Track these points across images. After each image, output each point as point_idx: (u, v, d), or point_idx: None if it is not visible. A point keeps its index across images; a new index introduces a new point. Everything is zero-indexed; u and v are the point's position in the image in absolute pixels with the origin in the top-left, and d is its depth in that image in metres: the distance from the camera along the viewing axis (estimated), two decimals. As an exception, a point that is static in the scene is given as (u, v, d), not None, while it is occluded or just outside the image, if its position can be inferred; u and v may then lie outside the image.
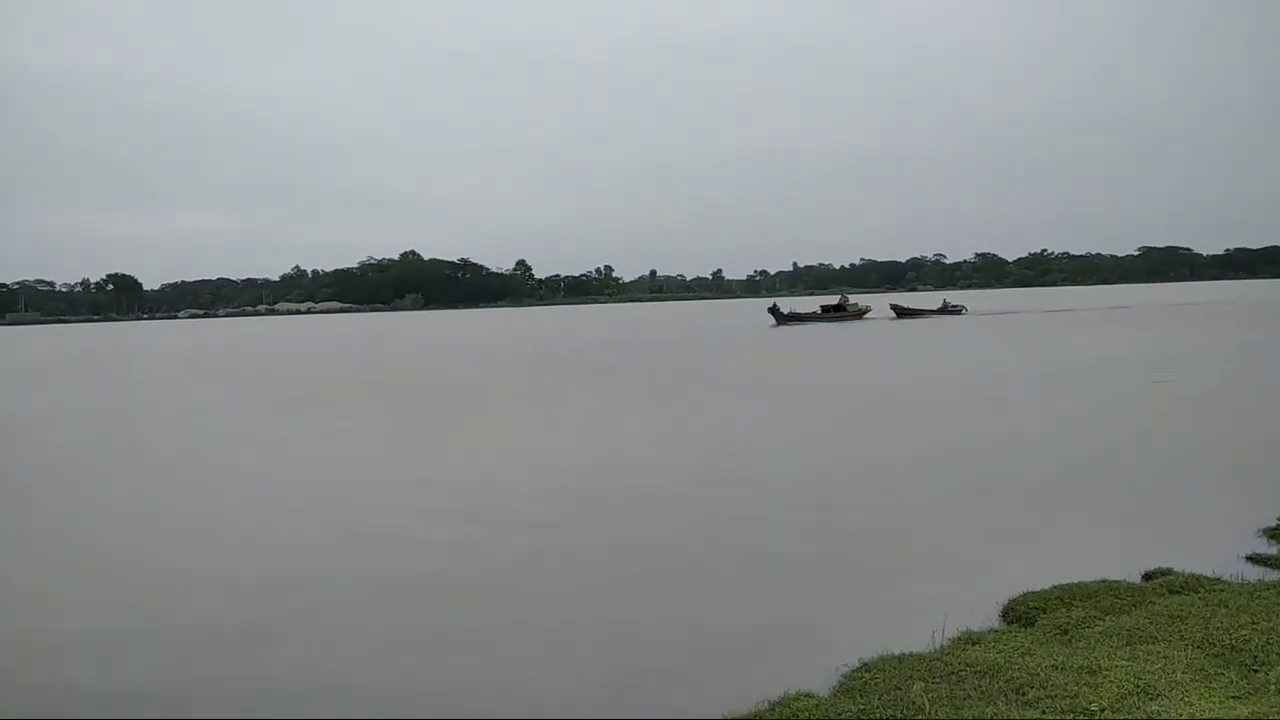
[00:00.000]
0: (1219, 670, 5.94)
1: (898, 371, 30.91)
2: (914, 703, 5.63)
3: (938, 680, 6.01)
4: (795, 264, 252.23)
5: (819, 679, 6.39)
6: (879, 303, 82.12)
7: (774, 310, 72.95)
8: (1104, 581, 7.99)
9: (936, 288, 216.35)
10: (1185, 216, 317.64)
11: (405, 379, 35.69)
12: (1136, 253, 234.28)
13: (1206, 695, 5.52)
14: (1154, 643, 6.49)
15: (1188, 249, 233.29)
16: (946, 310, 73.90)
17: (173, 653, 7.62)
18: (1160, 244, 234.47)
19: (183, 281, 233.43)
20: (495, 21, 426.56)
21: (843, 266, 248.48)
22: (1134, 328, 50.30)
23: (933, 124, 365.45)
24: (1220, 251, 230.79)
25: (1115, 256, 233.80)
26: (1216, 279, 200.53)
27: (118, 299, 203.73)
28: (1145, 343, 39.07)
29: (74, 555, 10.99)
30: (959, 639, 6.98)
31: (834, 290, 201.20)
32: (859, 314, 73.20)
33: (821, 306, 76.31)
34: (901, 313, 73.62)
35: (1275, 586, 7.60)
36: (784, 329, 64.08)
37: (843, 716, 5.63)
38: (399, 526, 11.64)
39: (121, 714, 6.59)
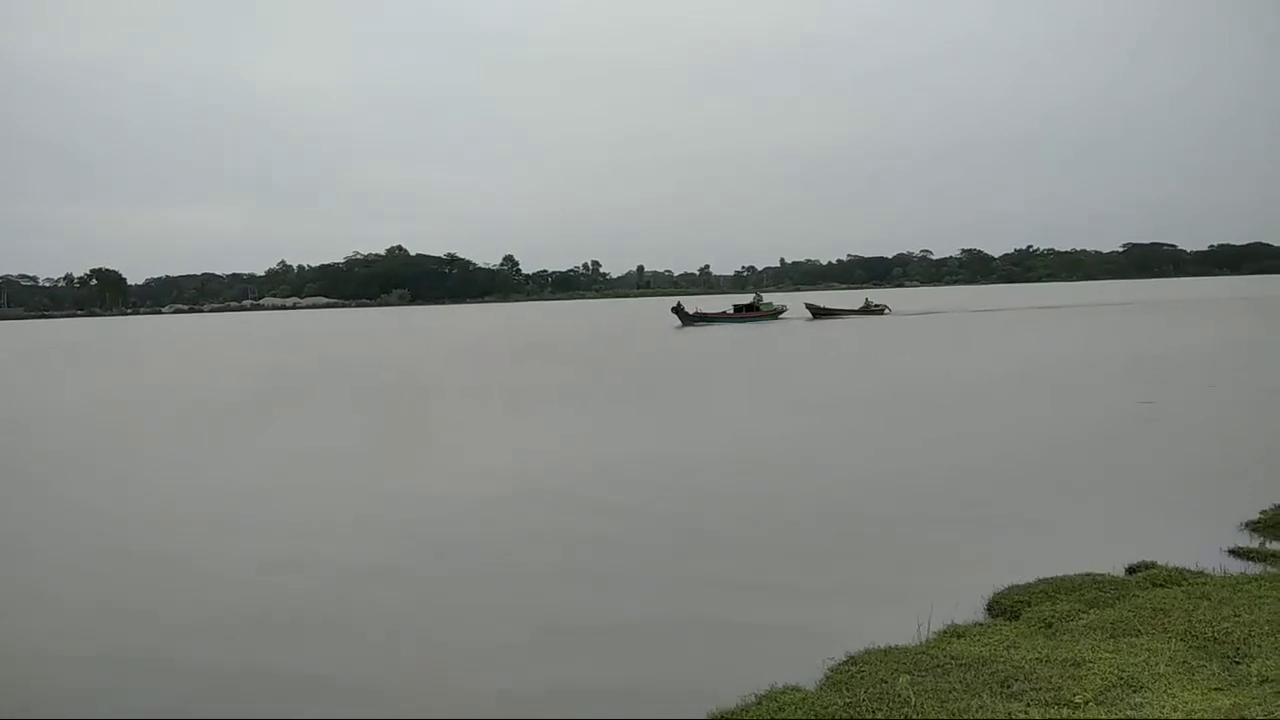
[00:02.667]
0: (1201, 662, 5.99)
1: (849, 370, 30.99)
2: (900, 695, 5.66)
3: (923, 673, 6.04)
4: (782, 260, 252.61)
5: (806, 672, 6.41)
6: (871, 300, 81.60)
7: (678, 310, 68.30)
8: (1088, 575, 8.05)
9: (923, 283, 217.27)
10: (1170, 213, 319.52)
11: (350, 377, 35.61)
12: (1121, 249, 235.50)
13: (1189, 687, 5.57)
14: (1137, 635, 6.54)
15: (1172, 245, 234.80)
16: (869, 310, 71.36)
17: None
18: (1145, 240, 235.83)
19: (167, 276, 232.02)
20: (486, 14, 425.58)
21: (829, 262, 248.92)
22: (1061, 328, 50.56)
23: (921, 121, 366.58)
24: (1204, 248, 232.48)
25: (1100, 253, 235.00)
26: (1200, 275, 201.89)
27: (102, 294, 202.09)
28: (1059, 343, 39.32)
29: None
30: (944, 632, 7.03)
31: (823, 286, 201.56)
32: (774, 314, 70.16)
33: (734, 305, 72.89)
34: (818, 313, 70.28)
35: (1257, 580, 7.67)
36: (689, 330, 60.44)
37: (830, 709, 5.65)
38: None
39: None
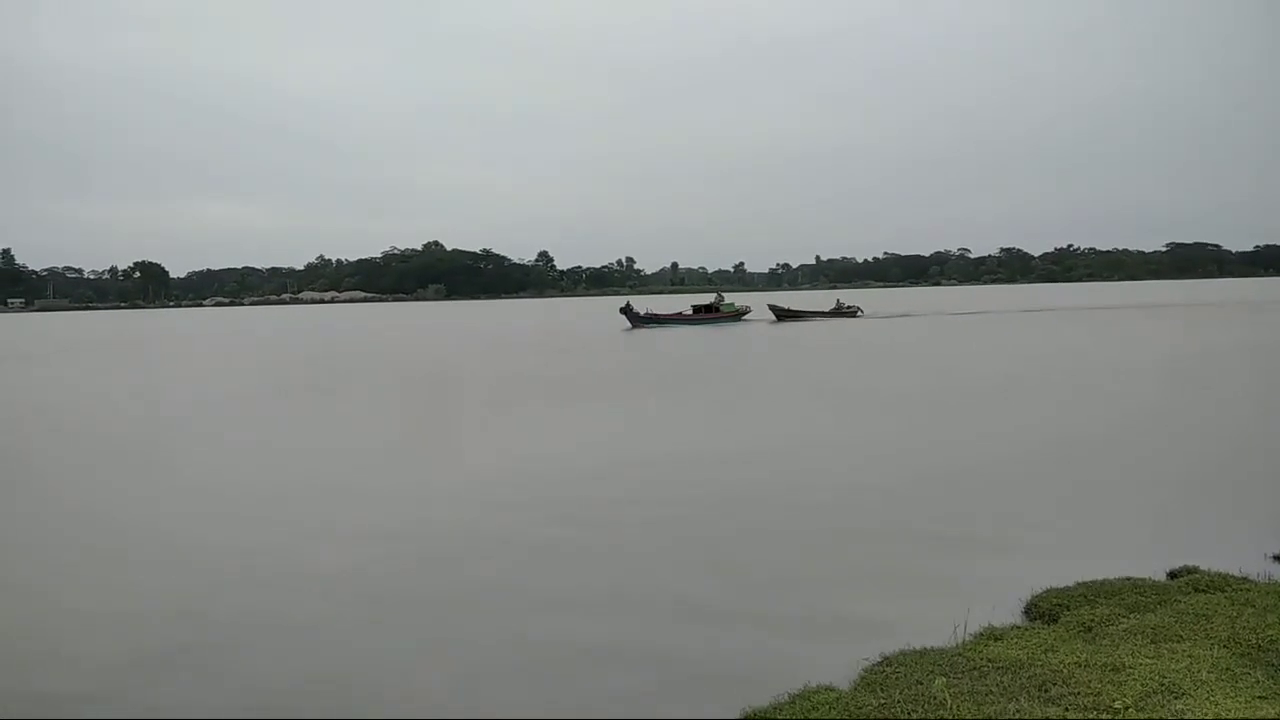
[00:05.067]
0: (1245, 670, 5.89)
1: (857, 370, 30.74)
2: (935, 698, 5.61)
3: (960, 675, 5.99)
4: (818, 257, 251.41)
5: (840, 673, 6.38)
6: (896, 301, 79.12)
7: (627, 310, 63.75)
8: (1128, 579, 7.92)
9: (960, 282, 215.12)
10: (1215, 213, 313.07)
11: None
12: (1164, 249, 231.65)
13: (1232, 695, 5.48)
14: (1179, 641, 6.43)
15: (1216, 245, 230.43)
16: (841, 312, 67.45)
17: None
18: (1189, 240, 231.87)
19: (208, 270, 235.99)
20: (523, 11, 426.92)
21: (865, 260, 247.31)
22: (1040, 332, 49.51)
23: (962, 120, 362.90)
24: (1249, 248, 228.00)
25: (1142, 252, 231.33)
26: (1245, 276, 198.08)
27: (145, 286, 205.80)
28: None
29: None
30: (981, 634, 6.95)
31: (858, 284, 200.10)
32: (737, 315, 66.55)
33: (693, 306, 68.71)
34: (781, 315, 66.22)
35: (1303, 587, 7.51)
36: (639, 333, 56.25)
37: (864, 710, 5.62)
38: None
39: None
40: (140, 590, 9.04)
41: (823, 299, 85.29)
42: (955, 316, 65.32)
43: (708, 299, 71.81)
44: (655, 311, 66.46)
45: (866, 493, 12.29)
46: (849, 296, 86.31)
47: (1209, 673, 5.83)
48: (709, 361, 36.14)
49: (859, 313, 67.60)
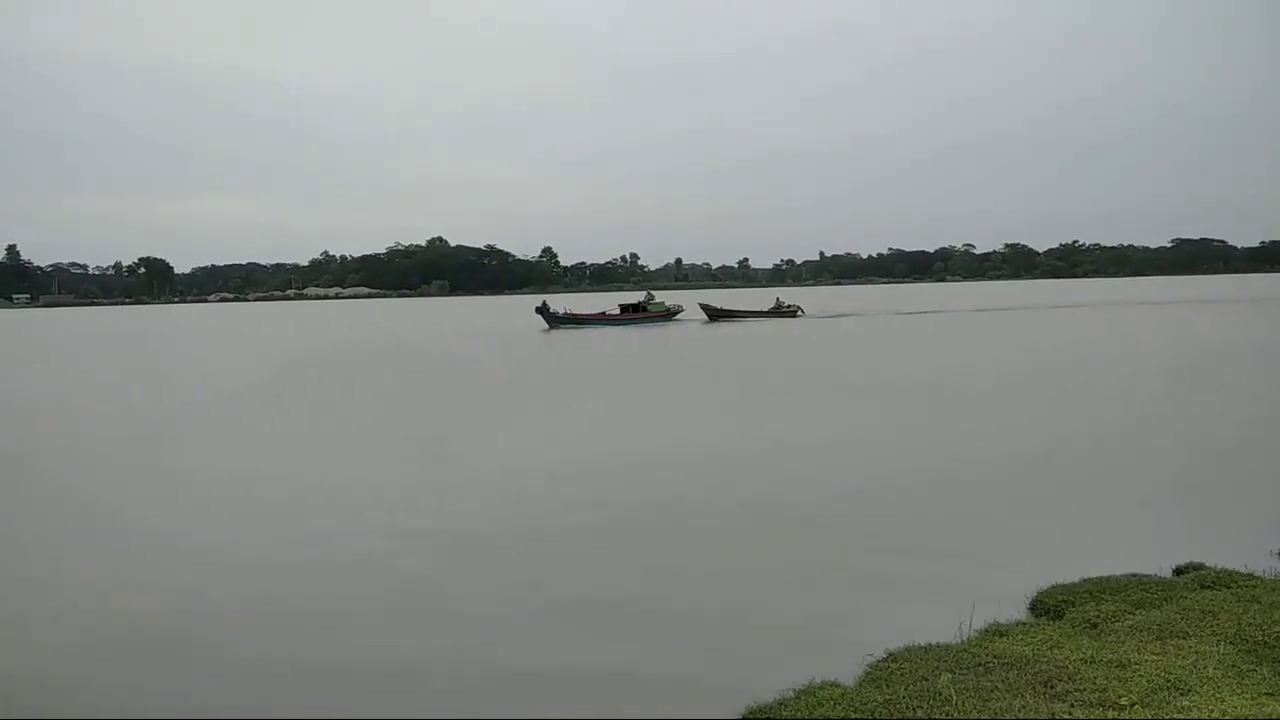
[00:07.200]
0: (1251, 667, 5.87)
1: (857, 364, 30.69)
2: (941, 693, 5.60)
3: (965, 671, 5.97)
4: (822, 253, 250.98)
5: (845, 668, 6.36)
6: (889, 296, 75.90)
7: (543, 310, 60.60)
8: (1134, 576, 7.90)
9: (965, 278, 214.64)
10: (1222, 208, 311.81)
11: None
12: (1169, 244, 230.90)
13: (1239, 691, 5.46)
14: (1185, 638, 6.42)
15: (1222, 241, 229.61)
16: (780, 312, 64.26)
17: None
18: (1194, 235, 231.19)
19: (213, 265, 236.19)
20: (528, 8, 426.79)
21: (870, 256, 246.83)
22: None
23: (966, 116, 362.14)
24: (1255, 244, 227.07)
25: (1148, 248, 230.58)
26: (1251, 272, 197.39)
27: (149, 282, 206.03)
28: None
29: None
30: (986, 631, 6.94)
31: (862, 280, 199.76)
32: (667, 315, 64.10)
33: (620, 305, 66.00)
34: (714, 315, 63.97)
35: (1310, 583, 7.48)
36: (556, 334, 53.53)
37: (868, 706, 5.61)
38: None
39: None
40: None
41: (761, 298, 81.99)
42: (898, 316, 62.30)
43: (637, 298, 69.41)
44: (575, 311, 63.03)
45: (871, 490, 12.26)
46: (852, 293, 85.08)
47: (1215, 669, 5.81)
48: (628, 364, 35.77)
49: (799, 312, 64.39)
